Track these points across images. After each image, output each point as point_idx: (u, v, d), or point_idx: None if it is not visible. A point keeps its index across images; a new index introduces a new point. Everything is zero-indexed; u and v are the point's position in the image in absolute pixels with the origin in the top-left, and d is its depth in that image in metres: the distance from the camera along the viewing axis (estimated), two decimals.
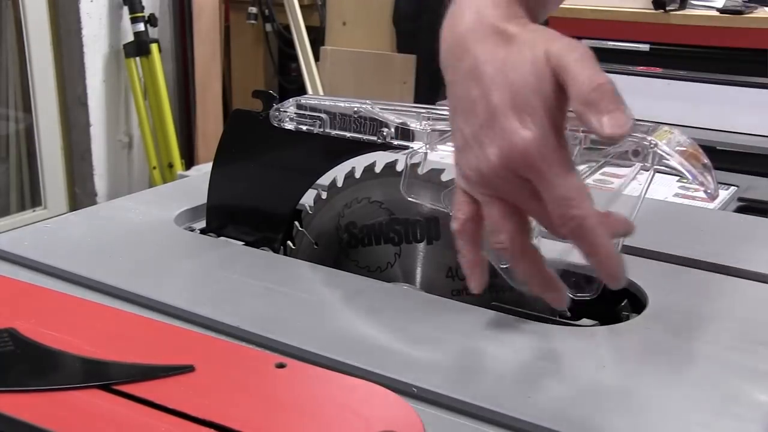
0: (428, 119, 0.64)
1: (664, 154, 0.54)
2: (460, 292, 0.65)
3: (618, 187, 0.57)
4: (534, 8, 0.58)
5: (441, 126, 0.63)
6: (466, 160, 0.55)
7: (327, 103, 0.70)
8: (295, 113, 0.71)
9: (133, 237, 0.74)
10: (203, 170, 0.84)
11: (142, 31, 2.85)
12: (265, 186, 0.74)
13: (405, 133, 0.65)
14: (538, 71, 0.51)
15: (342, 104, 0.69)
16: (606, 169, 0.58)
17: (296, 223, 0.73)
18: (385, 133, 0.66)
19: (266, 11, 3.23)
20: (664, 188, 0.95)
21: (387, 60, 2.86)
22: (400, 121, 0.65)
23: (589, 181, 0.57)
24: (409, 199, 0.65)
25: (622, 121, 0.48)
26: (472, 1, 0.56)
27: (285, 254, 0.73)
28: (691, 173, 0.54)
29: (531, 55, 0.51)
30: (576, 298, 0.59)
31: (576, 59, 0.50)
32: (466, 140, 0.54)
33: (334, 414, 0.47)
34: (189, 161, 3.15)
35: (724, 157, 1.09)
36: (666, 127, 0.57)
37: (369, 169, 0.69)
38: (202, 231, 0.78)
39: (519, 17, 0.55)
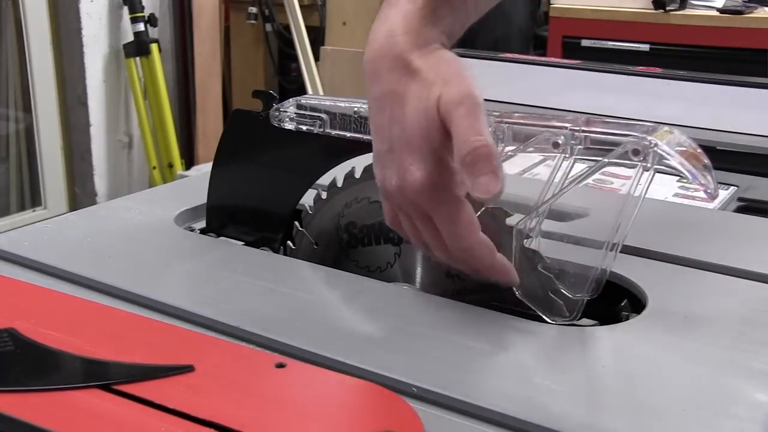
0: None
1: (664, 154, 0.54)
2: (460, 292, 0.65)
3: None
4: (452, 25, 0.60)
5: None
6: (378, 170, 0.59)
7: (327, 103, 0.70)
8: (295, 113, 0.71)
9: (133, 237, 0.74)
10: (203, 170, 0.84)
11: (142, 31, 2.85)
12: (265, 186, 0.74)
13: None
14: (429, 118, 0.55)
15: (342, 104, 0.69)
16: (606, 169, 0.58)
17: (296, 223, 0.73)
18: None
19: (266, 11, 3.23)
20: (664, 188, 0.95)
21: None
22: None
23: (589, 181, 0.57)
24: None
25: (492, 185, 0.52)
26: (388, 17, 0.59)
27: (285, 254, 0.73)
28: (691, 173, 0.54)
29: (425, 99, 0.55)
30: (575, 298, 0.59)
31: (461, 115, 0.53)
32: (377, 154, 0.59)
33: (334, 414, 0.47)
34: (189, 161, 3.15)
35: (724, 157, 1.08)
36: (666, 127, 0.57)
37: (369, 169, 0.69)
38: (202, 231, 0.78)
39: (428, 44, 0.58)
